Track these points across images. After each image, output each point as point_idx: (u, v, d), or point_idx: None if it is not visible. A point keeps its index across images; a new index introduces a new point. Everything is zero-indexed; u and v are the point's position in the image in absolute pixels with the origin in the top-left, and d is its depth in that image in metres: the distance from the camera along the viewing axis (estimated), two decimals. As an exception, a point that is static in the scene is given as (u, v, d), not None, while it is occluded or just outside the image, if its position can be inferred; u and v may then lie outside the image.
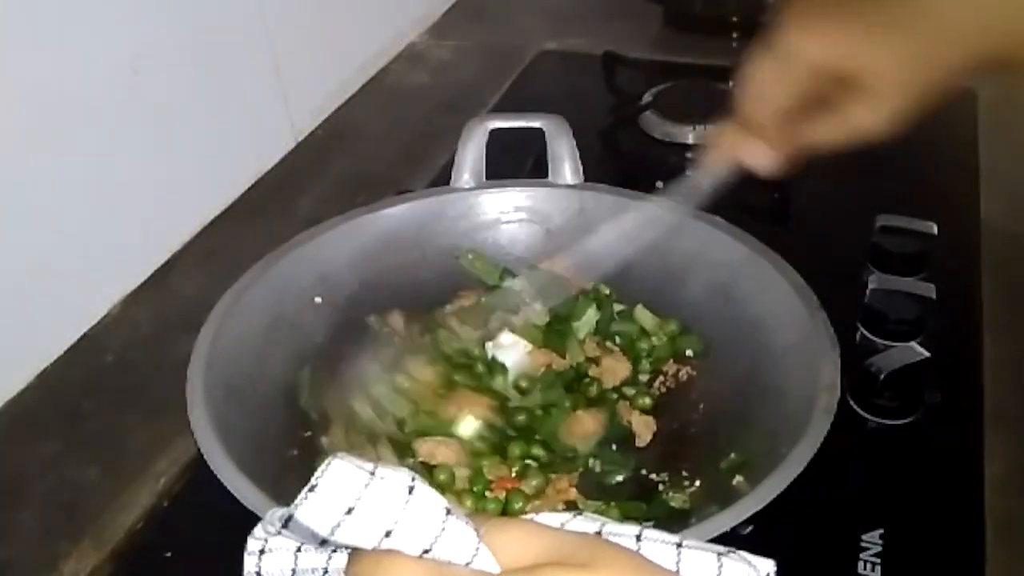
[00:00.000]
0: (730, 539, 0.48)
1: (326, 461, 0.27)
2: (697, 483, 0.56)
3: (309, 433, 0.60)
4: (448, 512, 0.27)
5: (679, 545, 0.29)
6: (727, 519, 0.45)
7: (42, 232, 0.69)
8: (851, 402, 0.64)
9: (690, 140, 0.93)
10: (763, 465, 0.49)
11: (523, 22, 1.21)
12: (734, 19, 1.16)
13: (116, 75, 0.74)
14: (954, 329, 0.70)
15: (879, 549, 0.55)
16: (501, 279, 0.69)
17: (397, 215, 0.70)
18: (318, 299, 0.66)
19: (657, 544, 0.29)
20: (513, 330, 0.64)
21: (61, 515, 0.61)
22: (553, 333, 0.65)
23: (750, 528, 0.51)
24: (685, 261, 0.65)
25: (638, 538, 0.29)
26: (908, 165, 0.86)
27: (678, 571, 0.29)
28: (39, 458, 0.64)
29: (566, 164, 0.70)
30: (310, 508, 0.26)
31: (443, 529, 0.27)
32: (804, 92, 0.50)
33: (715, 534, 0.44)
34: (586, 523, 0.30)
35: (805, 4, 0.49)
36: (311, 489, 0.26)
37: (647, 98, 0.97)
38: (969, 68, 0.48)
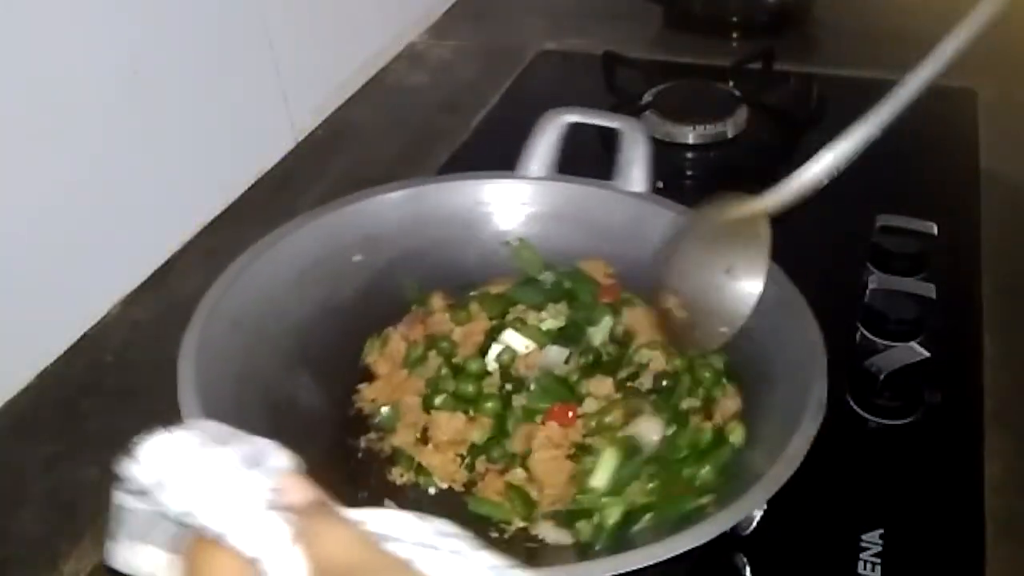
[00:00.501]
0: (730, 540, 0.48)
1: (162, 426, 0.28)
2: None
3: (305, 377, 0.62)
4: (269, 504, 0.28)
5: (495, 568, 0.29)
6: (666, 548, 0.45)
7: (42, 232, 0.69)
8: (851, 402, 0.64)
9: (690, 140, 0.93)
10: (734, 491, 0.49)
11: (523, 22, 1.22)
12: (734, 19, 1.16)
13: (116, 75, 0.74)
14: (954, 329, 0.70)
15: (879, 549, 0.55)
16: (542, 271, 0.69)
17: (455, 190, 0.70)
18: (357, 257, 0.67)
19: (471, 564, 0.29)
20: (520, 329, 0.64)
21: (61, 515, 0.61)
22: (566, 337, 0.64)
23: (751, 528, 0.51)
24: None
25: (457, 553, 0.29)
26: (908, 165, 0.86)
27: None
28: (39, 458, 0.64)
29: (636, 170, 0.69)
30: (137, 465, 0.28)
31: (253, 518, 0.28)
32: None
33: (652, 561, 0.44)
34: (421, 526, 0.30)
35: None
36: (136, 447, 0.28)
37: (647, 98, 0.97)
38: None
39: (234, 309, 0.59)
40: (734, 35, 1.16)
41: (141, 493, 0.30)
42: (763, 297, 0.55)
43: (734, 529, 0.47)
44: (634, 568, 0.44)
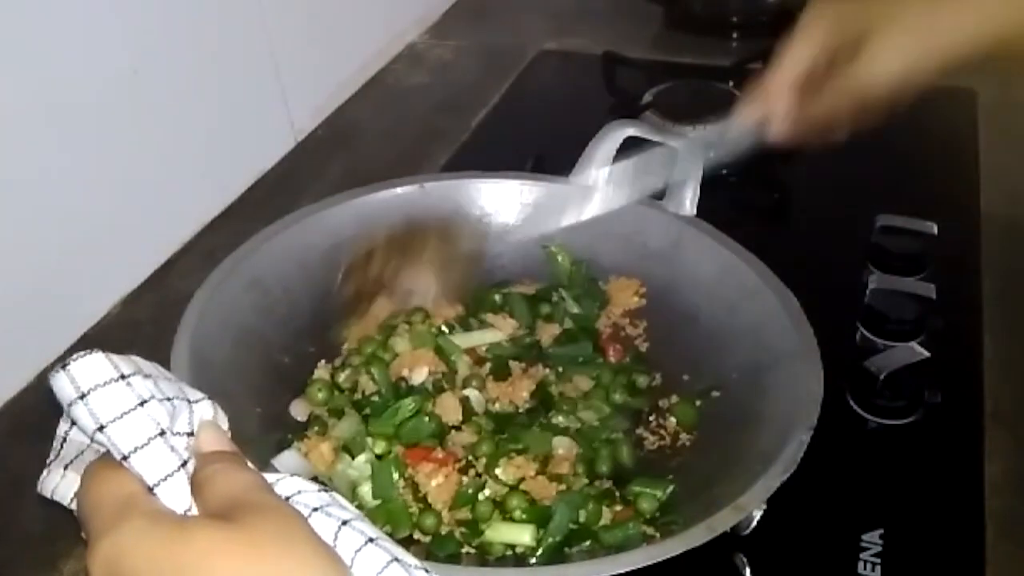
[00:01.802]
0: (730, 540, 0.48)
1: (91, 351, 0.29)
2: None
3: (313, 349, 0.63)
4: (161, 433, 0.29)
5: (344, 523, 0.30)
6: (664, 549, 0.45)
7: (42, 232, 0.69)
8: (851, 402, 0.64)
9: (690, 140, 0.93)
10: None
11: (523, 22, 1.22)
12: (734, 19, 1.16)
13: (116, 75, 0.74)
14: (954, 329, 0.70)
15: (879, 549, 0.55)
16: (571, 279, 0.69)
17: (505, 188, 0.71)
18: None
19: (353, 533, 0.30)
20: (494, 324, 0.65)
21: (61, 515, 0.60)
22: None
23: (750, 528, 0.51)
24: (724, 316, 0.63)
25: (344, 523, 0.30)
26: (908, 165, 0.87)
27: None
28: (39, 458, 0.64)
29: (686, 193, 0.67)
30: (60, 383, 0.28)
31: (160, 448, 0.29)
32: (818, 58, 0.57)
33: (650, 562, 0.44)
34: (326, 497, 0.31)
35: None
36: (63, 366, 0.28)
37: (647, 98, 0.97)
38: (968, 54, 0.54)
39: (257, 267, 0.62)
40: (734, 35, 1.16)
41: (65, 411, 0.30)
42: (777, 339, 0.57)
43: (734, 529, 0.47)
44: (634, 568, 0.44)
